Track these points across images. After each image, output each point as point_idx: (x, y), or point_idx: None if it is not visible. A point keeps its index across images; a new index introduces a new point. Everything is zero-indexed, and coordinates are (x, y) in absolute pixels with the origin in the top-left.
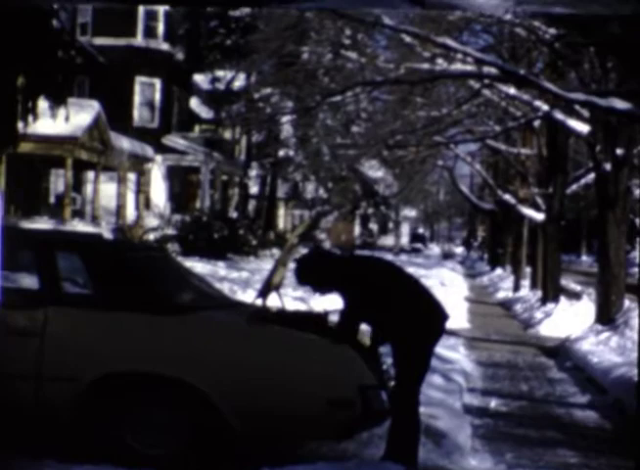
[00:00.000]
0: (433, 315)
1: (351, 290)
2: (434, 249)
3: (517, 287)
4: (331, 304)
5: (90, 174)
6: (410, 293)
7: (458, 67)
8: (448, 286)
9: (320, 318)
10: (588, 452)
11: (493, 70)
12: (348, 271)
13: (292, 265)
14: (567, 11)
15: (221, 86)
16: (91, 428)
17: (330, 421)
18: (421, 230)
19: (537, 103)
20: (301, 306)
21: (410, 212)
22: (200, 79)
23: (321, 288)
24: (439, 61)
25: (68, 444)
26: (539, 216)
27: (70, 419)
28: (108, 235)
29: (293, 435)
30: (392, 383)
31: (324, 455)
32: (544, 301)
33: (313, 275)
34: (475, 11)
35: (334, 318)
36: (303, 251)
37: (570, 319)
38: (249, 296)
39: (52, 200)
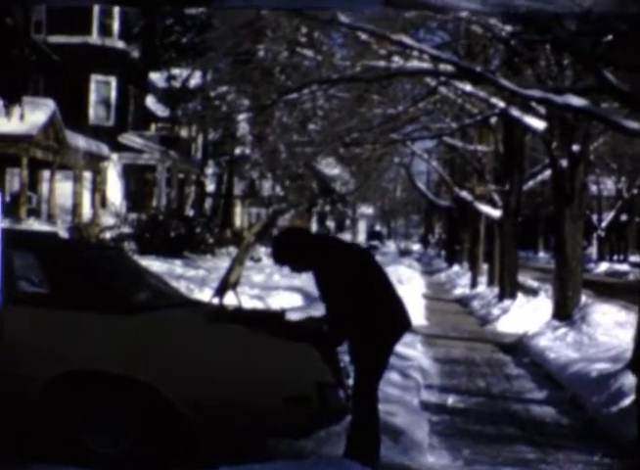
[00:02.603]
0: (398, 313)
1: (327, 269)
2: (392, 246)
3: (474, 284)
4: (288, 302)
5: (46, 173)
6: (382, 286)
7: (414, 64)
8: (405, 283)
9: (277, 316)
10: (546, 448)
11: (449, 68)
12: (326, 251)
13: (249, 264)
14: (526, 4)
15: (177, 84)
16: (48, 427)
17: (287, 419)
18: (378, 228)
19: (494, 100)
20: (258, 305)
21: (367, 210)
22: (155, 77)
23: (298, 266)
24: (396, 58)
25: (24, 443)
26: (496, 213)
27: (27, 418)
28: (64, 234)
29: (250, 432)
30: (350, 381)
31: (282, 453)
32: (501, 297)
33: (290, 254)
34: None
35: (291, 317)
36: (261, 249)
37: (527, 315)
38: (205, 294)
39: (7, 199)
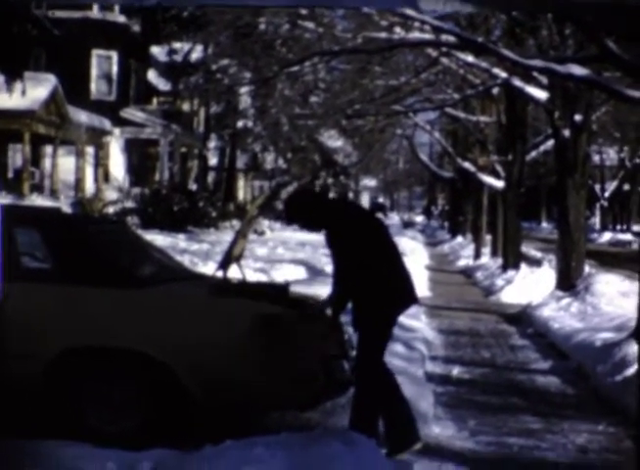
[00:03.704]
0: (404, 286)
1: (338, 229)
2: (395, 218)
3: (477, 255)
4: (291, 275)
5: (48, 148)
6: (393, 256)
7: (416, 35)
8: (409, 255)
9: (281, 289)
10: (551, 418)
11: (451, 38)
12: (340, 212)
13: (252, 237)
14: None
15: (179, 58)
16: (54, 404)
17: (292, 391)
18: (381, 199)
19: (496, 70)
20: (262, 278)
21: (370, 182)
22: (157, 52)
23: (309, 225)
24: (397, 29)
25: (30, 420)
26: (499, 184)
27: (33, 395)
28: (67, 209)
29: (256, 406)
30: (354, 352)
31: (288, 425)
32: (505, 268)
33: (302, 212)
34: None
35: (295, 289)
36: (264, 222)
37: (530, 286)
38: (209, 268)
39: (10, 174)
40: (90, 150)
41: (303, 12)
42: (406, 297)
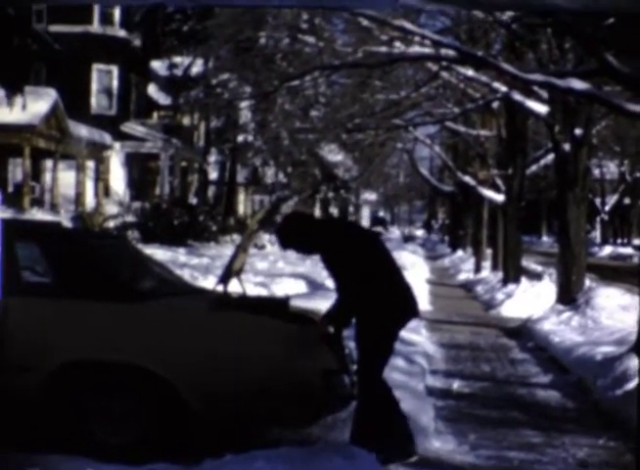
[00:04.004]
0: (405, 299)
1: (336, 253)
2: (395, 232)
3: (478, 268)
4: (292, 289)
5: (48, 163)
6: (391, 270)
7: (416, 49)
8: (409, 268)
9: (282, 304)
10: (551, 432)
11: (451, 53)
12: (332, 233)
13: (252, 251)
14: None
15: (179, 72)
16: (54, 417)
17: (293, 406)
18: (381, 213)
19: (496, 84)
20: (263, 292)
21: (370, 196)
22: (157, 66)
23: (304, 250)
24: (397, 44)
25: (31, 434)
26: (499, 198)
27: (34, 409)
28: (67, 223)
29: (256, 420)
30: (355, 366)
31: (288, 440)
32: (505, 282)
33: (295, 238)
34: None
35: (295, 303)
36: (265, 236)
37: (531, 300)
38: (209, 282)
39: (10, 189)
40: (90, 164)
41: (304, 26)
42: (407, 310)
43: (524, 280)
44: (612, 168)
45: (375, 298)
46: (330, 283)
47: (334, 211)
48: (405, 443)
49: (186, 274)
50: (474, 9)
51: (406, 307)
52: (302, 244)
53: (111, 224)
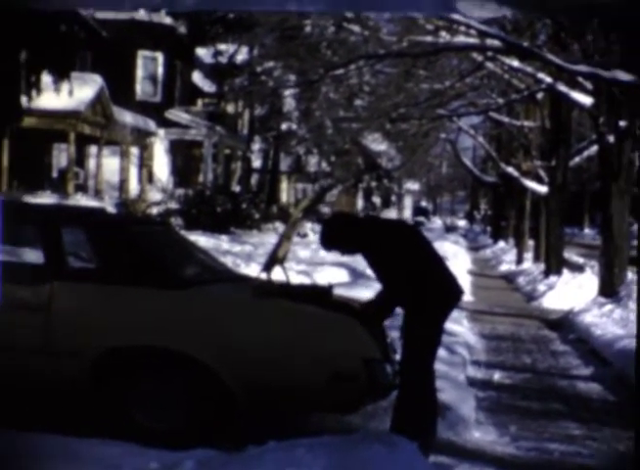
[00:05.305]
0: (449, 283)
1: (377, 251)
2: (437, 222)
3: (519, 260)
4: (334, 277)
5: (93, 149)
6: (431, 260)
7: (461, 39)
8: (451, 259)
9: (325, 292)
10: (592, 424)
11: (496, 43)
12: (374, 233)
13: (295, 239)
14: None
15: (224, 60)
16: (97, 402)
17: (334, 394)
18: (424, 203)
19: (541, 75)
20: (305, 280)
21: (413, 186)
22: (202, 53)
23: (348, 250)
24: (443, 33)
25: (74, 418)
26: (542, 189)
27: (77, 394)
28: (111, 209)
29: (297, 408)
30: (397, 356)
31: (328, 428)
32: (547, 273)
33: (339, 238)
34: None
35: (338, 292)
36: (307, 225)
37: (573, 292)
38: (252, 269)
39: (54, 174)
40: (134, 151)
41: (349, 15)
42: (453, 293)
43: (565, 272)
44: None
45: (420, 289)
46: (371, 272)
47: (376, 200)
48: (428, 440)
49: (228, 262)
50: (531, 13)
51: (451, 291)
52: (345, 245)
53: (154, 211)
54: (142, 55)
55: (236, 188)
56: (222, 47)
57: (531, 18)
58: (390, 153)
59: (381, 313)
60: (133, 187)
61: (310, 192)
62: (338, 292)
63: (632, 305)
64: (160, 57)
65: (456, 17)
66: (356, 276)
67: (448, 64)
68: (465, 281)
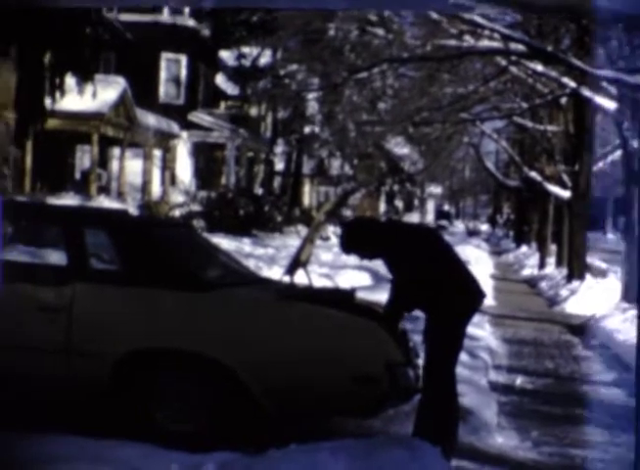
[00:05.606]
0: (470, 287)
1: (397, 255)
2: (460, 226)
3: (542, 264)
4: (356, 281)
5: (116, 151)
6: (452, 263)
7: (485, 43)
8: (473, 263)
9: (347, 295)
10: (614, 430)
11: (520, 47)
12: (394, 237)
13: (317, 242)
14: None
15: (247, 63)
16: (118, 404)
17: (356, 398)
18: (446, 207)
19: (565, 80)
20: (328, 284)
21: (435, 189)
22: (226, 56)
23: (367, 254)
24: (466, 37)
25: (95, 419)
26: (565, 194)
27: (97, 395)
28: (134, 211)
29: (319, 411)
30: (420, 360)
31: (350, 432)
32: (570, 278)
33: (359, 242)
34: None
35: (361, 295)
36: (330, 228)
37: (595, 297)
38: (274, 272)
39: (77, 176)
40: (157, 153)
41: (373, 18)
42: (474, 296)
43: (588, 277)
44: None
45: (441, 293)
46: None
47: (399, 203)
48: (450, 442)
49: (251, 264)
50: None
51: (472, 294)
52: (365, 249)
53: (176, 213)
54: (165, 57)
55: (258, 191)
56: (246, 50)
57: (556, 22)
58: (413, 156)
59: (396, 317)
60: (156, 189)
61: (333, 195)
62: (360, 295)
63: None
64: (183, 59)
65: (480, 20)
66: (378, 280)
67: (472, 68)
68: (487, 285)
